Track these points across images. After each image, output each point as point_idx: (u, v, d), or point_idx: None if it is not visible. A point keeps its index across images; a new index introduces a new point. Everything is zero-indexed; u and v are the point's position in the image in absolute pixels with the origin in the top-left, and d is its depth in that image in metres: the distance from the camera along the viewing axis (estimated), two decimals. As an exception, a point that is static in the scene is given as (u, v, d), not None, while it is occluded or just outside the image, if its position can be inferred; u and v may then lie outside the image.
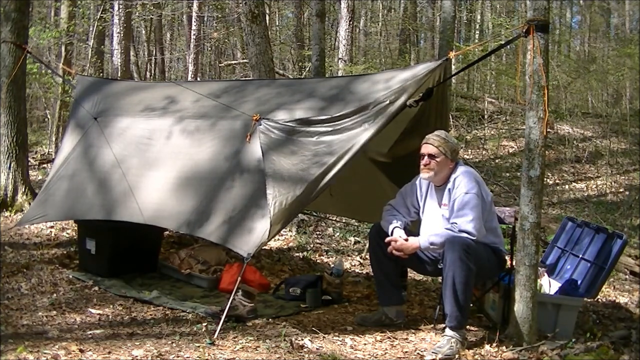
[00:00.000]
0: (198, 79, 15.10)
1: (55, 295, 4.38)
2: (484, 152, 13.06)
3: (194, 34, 14.74)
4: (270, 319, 4.07)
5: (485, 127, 14.03)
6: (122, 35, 12.82)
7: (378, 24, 20.11)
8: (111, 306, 4.21)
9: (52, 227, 6.23)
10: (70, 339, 3.49)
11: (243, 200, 4.10)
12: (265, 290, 4.82)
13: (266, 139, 4.14)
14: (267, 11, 15.59)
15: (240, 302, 3.99)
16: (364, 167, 5.00)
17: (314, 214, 6.94)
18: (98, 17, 12.33)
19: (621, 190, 11.16)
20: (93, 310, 4.09)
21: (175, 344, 3.47)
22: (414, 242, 3.84)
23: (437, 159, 3.89)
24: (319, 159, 3.96)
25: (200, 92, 4.88)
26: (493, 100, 15.37)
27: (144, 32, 18.51)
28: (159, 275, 5.08)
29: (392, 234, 3.91)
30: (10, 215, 6.42)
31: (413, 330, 4.03)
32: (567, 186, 11.42)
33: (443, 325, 3.77)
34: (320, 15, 8.62)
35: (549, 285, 4.41)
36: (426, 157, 3.91)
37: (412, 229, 4.10)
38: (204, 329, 3.76)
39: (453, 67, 7.99)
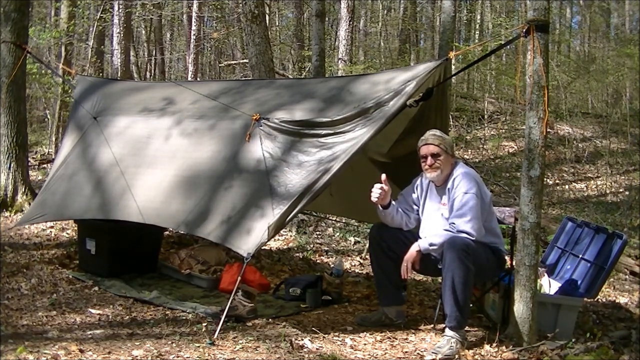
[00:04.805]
0: (198, 79, 15.10)
1: (55, 295, 4.38)
2: (484, 152, 13.05)
3: (194, 34, 14.75)
4: (270, 319, 4.06)
5: (485, 127, 14.03)
6: (122, 35, 12.83)
7: (378, 24, 20.09)
8: (111, 306, 4.21)
9: (52, 227, 6.23)
10: (70, 339, 3.49)
11: (242, 200, 4.10)
12: (265, 290, 4.82)
13: (268, 145, 4.14)
14: (267, 11, 15.60)
15: (240, 302, 3.99)
16: (364, 167, 4.99)
17: (314, 214, 6.94)
18: (98, 17, 12.35)
19: (621, 190, 11.16)
20: (93, 310, 4.09)
21: (175, 344, 3.47)
22: (414, 247, 3.83)
23: (441, 158, 3.89)
24: (323, 167, 3.95)
25: (199, 92, 4.88)
26: (493, 100, 15.37)
27: (144, 32, 18.52)
28: (159, 275, 5.08)
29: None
30: (10, 215, 6.42)
31: (413, 330, 4.03)
32: (567, 186, 11.42)
33: (443, 325, 3.76)
34: (320, 15, 8.62)
35: (549, 285, 4.41)
36: (429, 158, 3.90)
37: (413, 229, 4.10)
38: (204, 329, 3.76)
39: (453, 67, 7.97)
